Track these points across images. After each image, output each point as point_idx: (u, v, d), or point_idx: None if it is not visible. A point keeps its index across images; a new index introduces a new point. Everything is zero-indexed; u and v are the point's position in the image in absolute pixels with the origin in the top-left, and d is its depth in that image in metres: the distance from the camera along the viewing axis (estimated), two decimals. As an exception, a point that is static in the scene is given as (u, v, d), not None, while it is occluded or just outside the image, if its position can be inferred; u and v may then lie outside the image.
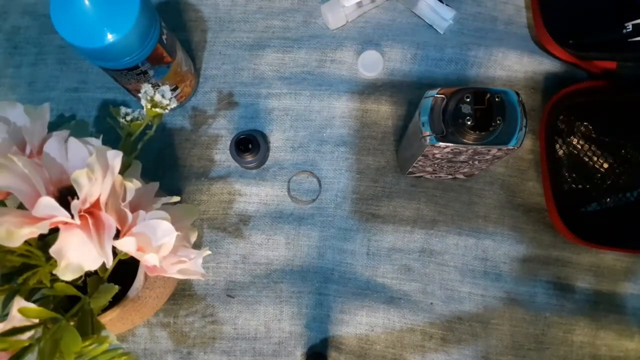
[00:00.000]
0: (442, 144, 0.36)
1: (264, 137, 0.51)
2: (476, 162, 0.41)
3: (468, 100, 0.34)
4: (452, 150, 0.37)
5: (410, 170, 0.45)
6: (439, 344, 0.46)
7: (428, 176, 0.48)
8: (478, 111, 0.34)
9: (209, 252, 0.34)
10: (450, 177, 0.47)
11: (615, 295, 0.48)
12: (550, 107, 0.48)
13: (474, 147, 0.36)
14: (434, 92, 0.36)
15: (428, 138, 0.36)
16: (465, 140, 0.36)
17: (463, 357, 0.46)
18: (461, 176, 0.47)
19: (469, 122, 0.34)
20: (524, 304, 0.47)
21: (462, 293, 0.48)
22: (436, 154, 0.39)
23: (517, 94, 0.36)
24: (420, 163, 0.42)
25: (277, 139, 0.51)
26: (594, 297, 0.48)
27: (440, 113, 0.36)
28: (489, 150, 0.37)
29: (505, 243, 0.48)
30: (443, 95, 0.36)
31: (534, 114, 0.51)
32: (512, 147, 0.36)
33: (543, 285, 0.48)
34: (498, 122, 0.34)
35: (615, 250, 0.46)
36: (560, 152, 0.48)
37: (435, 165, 0.43)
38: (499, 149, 0.36)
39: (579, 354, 0.47)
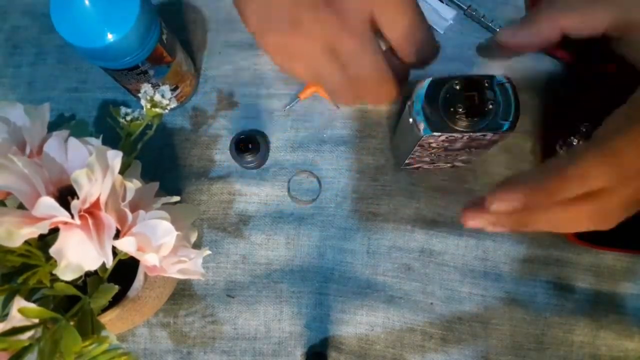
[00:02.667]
0: (436, 133, 0.36)
1: (264, 137, 0.51)
2: (473, 149, 0.41)
3: (458, 88, 0.35)
4: (447, 138, 0.37)
5: (407, 161, 0.45)
6: (439, 344, 0.46)
7: (427, 167, 0.47)
8: (469, 98, 0.34)
9: (209, 252, 0.34)
10: (449, 165, 0.47)
11: (615, 295, 0.48)
12: (550, 107, 0.48)
13: (469, 134, 0.36)
14: (425, 82, 0.36)
15: (422, 128, 0.36)
16: (458, 128, 0.36)
17: (463, 357, 0.46)
18: (460, 164, 0.47)
19: (460, 110, 0.34)
20: (524, 304, 0.47)
21: (462, 293, 0.48)
22: (432, 143, 0.38)
23: (506, 76, 0.36)
24: (417, 154, 0.42)
25: (277, 139, 0.51)
26: (594, 297, 0.48)
27: (432, 102, 0.36)
28: (485, 136, 0.37)
29: (505, 243, 0.48)
30: (432, 83, 0.36)
31: (534, 114, 0.51)
32: (506, 130, 0.36)
33: (543, 285, 0.48)
34: (490, 106, 0.34)
35: (615, 250, 0.46)
36: (561, 153, 0.48)
37: (433, 155, 0.42)
38: (494, 133, 0.36)
39: (579, 354, 0.47)
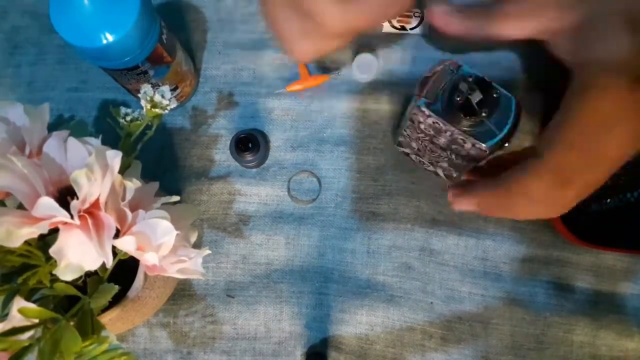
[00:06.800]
0: (426, 110, 0.36)
1: (264, 136, 0.51)
2: (452, 156, 0.41)
3: (470, 80, 0.35)
4: (433, 123, 0.37)
5: (399, 139, 0.46)
6: (438, 344, 0.46)
7: (414, 157, 0.47)
8: (472, 96, 0.35)
9: (209, 252, 0.34)
10: (431, 168, 0.47)
11: (615, 295, 0.48)
12: (550, 108, 0.48)
13: (453, 129, 0.36)
14: (446, 61, 0.37)
15: (419, 99, 0.36)
16: (446, 118, 0.36)
17: (463, 357, 0.46)
18: (441, 173, 0.47)
19: (458, 99, 0.34)
20: (524, 304, 0.47)
21: (462, 293, 0.48)
22: (421, 123, 0.38)
23: (518, 102, 0.36)
24: (408, 132, 0.42)
25: (277, 139, 0.51)
26: (594, 297, 0.48)
27: (440, 81, 0.36)
28: (464, 142, 0.36)
29: (505, 243, 0.48)
30: (453, 69, 0.36)
31: (534, 114, 0.51)
32: (485, 148, 0.35)
33: (543, 285, 0.48)
34: (483, 114, 0.34)
35: (615, 250, 0.46)
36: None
37: (420, 142, 0.42)
38: (473, 145, 0.36)
39: (579, 354, 0.47)
